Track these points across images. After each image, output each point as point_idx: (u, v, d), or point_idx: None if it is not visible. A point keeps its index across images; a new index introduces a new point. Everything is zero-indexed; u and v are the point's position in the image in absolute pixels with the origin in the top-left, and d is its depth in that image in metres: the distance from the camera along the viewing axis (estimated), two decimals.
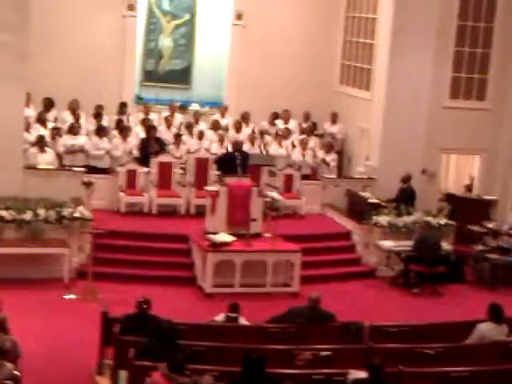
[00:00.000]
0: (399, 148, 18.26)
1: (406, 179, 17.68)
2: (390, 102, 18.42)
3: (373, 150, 18.82)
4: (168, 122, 18.75)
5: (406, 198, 17.59)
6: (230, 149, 17.60)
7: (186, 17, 20.62)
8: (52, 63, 18.81)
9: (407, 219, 16.90)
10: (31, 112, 17.86)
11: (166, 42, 20.56)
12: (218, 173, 16.52)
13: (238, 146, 16.90)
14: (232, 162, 16.30)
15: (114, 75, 19.49)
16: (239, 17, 20.40)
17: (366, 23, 19.99)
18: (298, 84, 20.42)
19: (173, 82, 20.52)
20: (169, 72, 20.63)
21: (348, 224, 17.47)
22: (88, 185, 15.62)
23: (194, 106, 19.84)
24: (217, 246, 15.02)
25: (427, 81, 18.55)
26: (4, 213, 14.77)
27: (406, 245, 16.28)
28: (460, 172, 19.79)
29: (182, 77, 20.66)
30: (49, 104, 18.35)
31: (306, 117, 20.16)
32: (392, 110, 18.40)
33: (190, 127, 18.70)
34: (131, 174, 17.19)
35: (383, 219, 16.76)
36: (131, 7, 19.71)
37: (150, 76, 20.47)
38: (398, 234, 16.70)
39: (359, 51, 20.24)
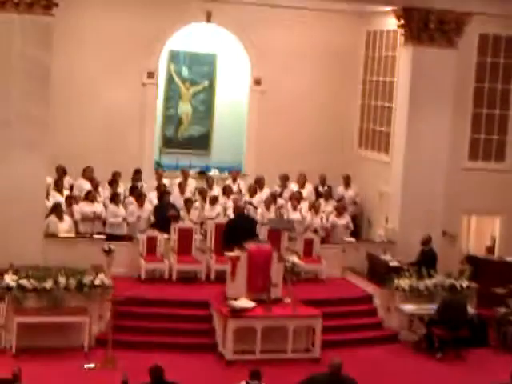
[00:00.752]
0: (419, 210, 18.21)
1: (427, 242, 17.57)
2: (409, 165, 18.44)
3: (393, 212, 18.79)
4: (181, 187, 18.89)
5: (427, 260, 17.44)
6: (233, 215, 17.71)
7: (205, 83, 20.92)
8: (72, 130, 19.09)
9: (429, 282, 16.76)
10: (49, 179, 18.03)
11: (185, 109, 20.85)
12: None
13: (239, 210, 16.98)
14: (238, 228, 16.31)
15: (134, 142, 19.74)
16: (257, 82, 20.66)
17: (383, 86, 20.17)
18: (317, 148, 20.59)
19: (192, 147, 20.79)
20: (188, 138, 20.90)
21: (369, 288, 17.36)
22: (108, 252, 15.72)
23: (214, 172, 19.99)
24: (237, 312, 14.94)
25: (446, 143, 18.58)
26: (25, 282, 14.82)
27: (429, 308, 16.13)
28: (481, 233, 19.72)
29: (201, 143, 20.92)
30: (62, 172, 18.51)
31: (323, 181, 20.23)
32: (411, 173, 18.41)
33: (203, 193, 18.82)
34: (151, 241, 17.23)
35: (404, 283, 16.64)
36: (151, 75, 20.01)
37: (169, 142, 20.72)
38: (420, 298, 16.55)
39: (377, 114, 20.38)
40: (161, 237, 17.31)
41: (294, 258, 16.65)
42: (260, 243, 15.93)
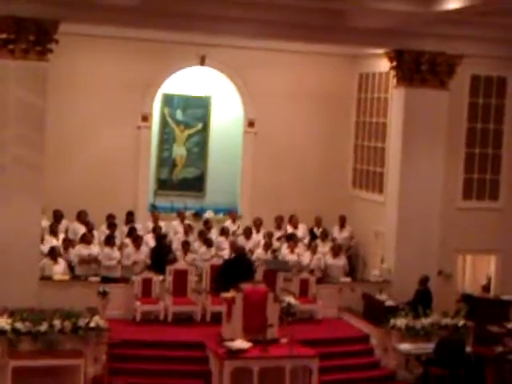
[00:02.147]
0: (414, 250, 18.25)
1: (424, 281, 17.57)
2: (404, 205, 18.51)
3: (388, 252, 18.81)
4: (184, 230, 18.92)
5: (422, 299, 17.44)
6: (231, 255, 17.74)
7: (199, 126, 21.04)
8: (66, 173, 19.15)
9: (425, 321, 16.74)
10: (45, 223, 18.04)
11: (179, 151, 20.95)
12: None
13: (239, 251, 16.99)
14: (236, 269, 16.31)
15: (129, 184, 19.79)
16: (251, 124, 20.79)
17: (376, 127, 20.30)
18: (310, 189, 20.69)
19: (186, 189, 20.84)
20: (182, 180, 20.97)
21: (365, 327, 17.32)
22: (104, 294, 15.69)
23: (208, 214, 20.04)
24: (233, 353, 14.88)
25: (439, 182, 18.69)
26: (19, 325, 14.75)
27: (425, 347, 16.05)
28: (476, 272, 19.74)
29: (196, 185, 20.99)
30: (59, 216, 18.53)
31: (318, 222, 20.25)
32: (406, 213, 18.47)
33: (201, 235, 18.83)
34: (147, 283, 17.19)
35: (401, 322, 16.61)
36: (145, 118, 20.12)
37: (163, 184, 20.77)
38: (417, 337, 16.51)
39: (371, 155, 20.49)
40: (156, 278, 17.28)
41: (290, 299, 16.56)
42: (255, 284, 15.91)
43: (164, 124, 20.83)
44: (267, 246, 18.81)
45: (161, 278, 17.35)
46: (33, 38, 15.93)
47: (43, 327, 14.82)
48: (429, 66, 18.43)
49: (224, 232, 19.15)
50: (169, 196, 20.50)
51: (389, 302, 17.25)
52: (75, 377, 14.59)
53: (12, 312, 15.07)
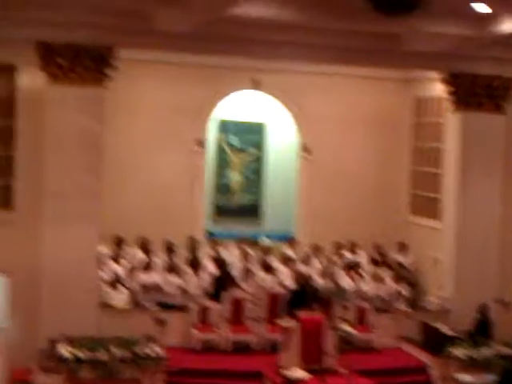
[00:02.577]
0: (473, 277, 18.06)
1: (483, 310, 17.33)
2: (461, 231, 18.33)
3: (446, 280, 18.61)
4: (244, 257, 18.93)
5: (482, 328, 17.21)
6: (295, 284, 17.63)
7: (255, 152, 21.06)
8: (123, 199, 19.18)
9: (485, 351, 16.49)
10: (104, 250, 18.12)
11: (235, 177, 20.97)
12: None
13: (303, 280, 16.91)
14: (303, 297, 16.24)
15: (185, 211, 19.76)
16: (306, 149, 20.72)
17: (432, 153, 20.12)
18: (368, 215, 20.55)
19: (243, 216, 20.86)
20: (239, 206, 20.97)
21: (424, 357, 17.11)
22: (161, 322, 15.73)
23: (265, 240, 20.01)
24: (291, 383, 14.78)
25: (498, 208, 18.48)
26: (80, 353, 14.83)
27: (486, 378, 15.81)
28: None
29: (252, 211, 20.99)
30: (120, 242, 18.60)
31: (377, 248, 20.11)
32: (464, 239, 18.29)
33: (261, 262, 18.78)
34: (204, 310, 17.22)
35: (460, 352, 16.40)
36: (200, 143, 20.14)
37: (220, 211, 20.81)
38: (477, 367, 16.27)
39: (427, 180, 20.30)
40: (214, 306, 17.26)
41: (347, 327, 16.46)
42: (312, 312, 15.83)
43: (219, 149, 20.89)
44: (325, 273, 18.68)
45: (218, 306, 17.31)
46: (90, 64, 16.07)
47: (103, 356, 14.88)
48: (485, 90, 18.29)
49: (285, 260, 19.03)
50: (225, 222, 20.53)
51: (448, 331, 17.04)
52: None
53: (70, 339, 15.17)
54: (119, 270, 17.72)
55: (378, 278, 18.84)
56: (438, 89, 19.20)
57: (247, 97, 20.63)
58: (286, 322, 15.80)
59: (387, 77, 20.43)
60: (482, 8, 14.26)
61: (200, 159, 20.20)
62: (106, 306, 16.46)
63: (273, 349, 16.51)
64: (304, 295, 16.31)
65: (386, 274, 19.25)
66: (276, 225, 20.78)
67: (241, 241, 19.50)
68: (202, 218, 20.12)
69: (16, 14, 15.17)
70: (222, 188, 20.93)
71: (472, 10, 14.36)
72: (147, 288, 17.64)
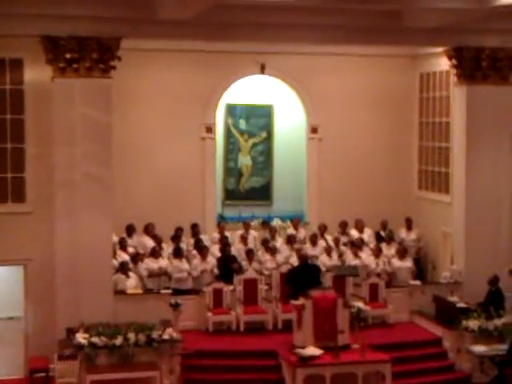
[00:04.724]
0: (484, 249, 18.11)
1: (494, 282, 17.41)
2: (471, 204, 18.36)
3: (457, 253, 18.68)
4: (241, 239, 19.12)
5: (494, 300, 17.28)
6: (297, 263, 17.73)
7: (263, 135, 21.20)
8: (133, 187, 19.41)
9: (498, 322, 16.57)
10: (114, 238, 18.35)
11: (244, 161, 21.15)
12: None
13: (304, 259, 17.03)
14: (302, 276, 16.34)
15: (196, 196, 19.99)
16: (314, 130, 20.83)
17: (439, 127, 20.17)
18: (377, 192, 20.68)
19: (254, 199, 21.05)
20: (249, 190, 21.17)
21: (438, 330, 17.22)
22: (176, 307, 15.98)
23: (276, 222, 20.17)
24: (305, 361, 14.96)
25: (507, 178, 18.49)
26: (96, 339, 15.08)
27: (499, 349, 15.89)
28: None
29: (263, 193, 21.17)
30: (131, 230, 18.79)
31: (384, 225, 20.20)
32: (474, 212, 18.31)
33: (265, 243, 18.95)
34: (217, 293, 17.41)
35: (473, 323, 16.48)
36: (209, 129, 20.30)
37: (231, 195, 21.01)
38: (490, 338, 16.34)
39: (435, 155, 20.36)
40: (226, 288, 17.47)
41: (360, 304, 16.61)
42: (324, 290, 15.95)
43: (228, 134, 21.05)
44: (330, 251, 18.83)
45: (231, 287, 17.52)
46: (96, 56, 16.19)
47: (118, 341, 15.12)
48: (489, 62, 18.27)
49: (290, 240, 19.22)
50: (236, 206, 20.72)
51: (460, 304, 17.14)
52: None
53: (88, 327, 15.41)
54: (127, 257, 17.87)
55: (380, 254, 18.95)
56: (444, 63, 19.25)
57: (254, 80, 20.73)
58: (299, 301, 15.91)
59: (393, 54, 20.47)
60: None
61: (209, 144, 20.35)
62: (119, 293, 16.65)
63: (287, 328, 16.64)
64: (308, 274, 16.32)
65: (393, 250, 19.36)
66: (287, 206, 20.92)
67: (248, 224, 19.63)
68: (213, 202, 20.29)
69: (21, 9, 15.34)
70: (233, 172, 21.11)
71: None
72: (157, 274, 17.80)
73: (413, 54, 20.75)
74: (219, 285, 17.50)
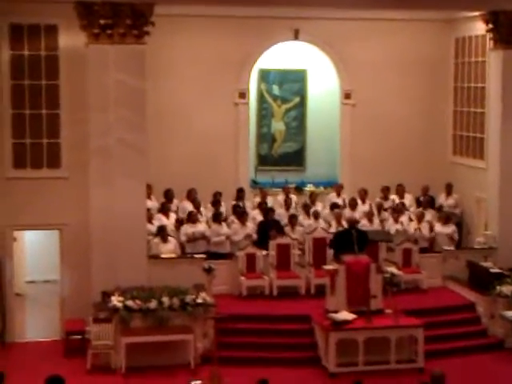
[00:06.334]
0: None
1: None
2: (506, 170, 18.22)
3: (491, 218, 18.59)
4: (284, 204, 19.14)
5: None
6: (345, 227, 17.69)
7: (296, 100, 21.18)
8: (169, 154, 19.58)
9: None
10: (153, 203, 18.48)
11: (278, 126, 21.16)
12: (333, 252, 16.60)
13: (352, 223, 16.97)
14: (348, 240, 16.32)
15: (229, 161, 20.09)
16: (348, 96, 20.76)
17: (475, 92, 20.01)
18: (411, 158, 20.62)
19: (287, 164, 21.11)
20: (282, 155, 21.22)
21: (471, 296, 17.22)
22: (209, 271, 16.12)
23: (309, 187, 20.19)
24: (338, 325, 15.06)
25: None
26: (131, 303, 15.27)
27: None
28: None
29: (296, 159, 21.19)
30: (170, 195, 18.87)
31: (425, 190, 20.13)
32: (508, 178, 18.17)
33: (306, 208, 18.99)
34: (250, 258, 17.51)
35: (507, 289, 16.45)
36: (242, 95, 20.33)
37: (264, 160, 21.08)
38: None
39: (470, 120, 20.21)
40: (260, 253, 17.56)
41: (393, 269, 16.62)
42: (358, 255, 15.98)
43: (261, 100, 21.07)
44: (371, 216, 18.82)
45: (264, 252, 17.60)
46: (129, 21, 16.14)
47: (153, 304, 15.30)
48: None
49: (333, 206, 19.11)
50: (270, 171, 20.78)
51: (494, 269, 17.10)
52: (186, 352, 15.07)
53: (123, 290, 15.60)
54: (167, 222, 18.00)
55: (422, 220, 18.89)
56: (480, 28, 19.03)
57: (288, 46, 20.67)
58: (332, 266, 15.97)
59: (428, 18, 20.31)
60: None
61: (243, 110, 20.38)
62: (155, 258, 16.80)
63: (320, 293, 16.72)
64: (348, 238, 16.26)
65: (431, 216, 19.31)
66: (320, 171, 20.96)
67: (285, 188, 19.67)
68: (246, 167, 20.37)
69: None
70: (266, 137, 21.15)
71: None
72: (193, 239, 17.88)
73: (448, 18, 20.55)
74: (252, 249, 17.58)
